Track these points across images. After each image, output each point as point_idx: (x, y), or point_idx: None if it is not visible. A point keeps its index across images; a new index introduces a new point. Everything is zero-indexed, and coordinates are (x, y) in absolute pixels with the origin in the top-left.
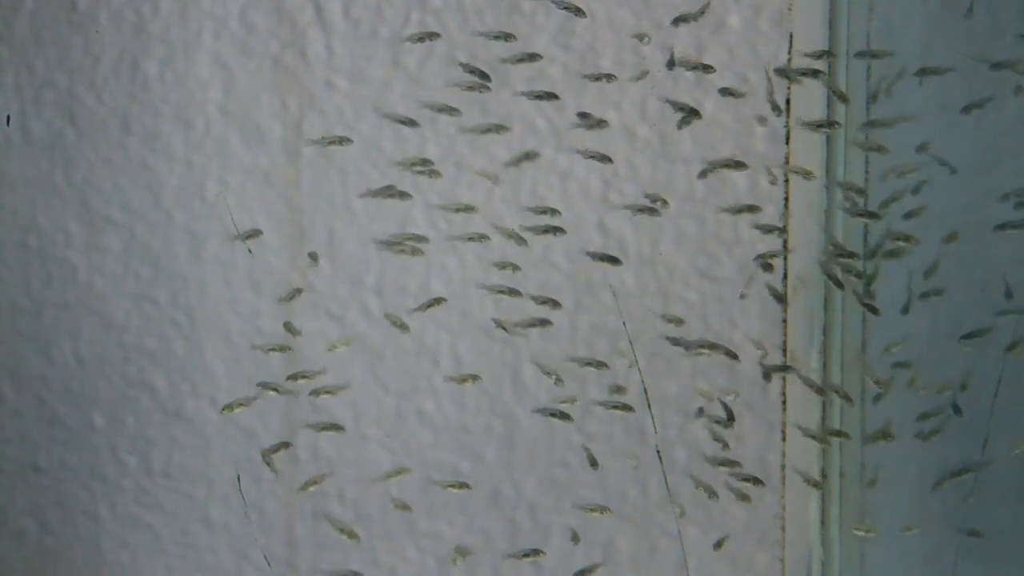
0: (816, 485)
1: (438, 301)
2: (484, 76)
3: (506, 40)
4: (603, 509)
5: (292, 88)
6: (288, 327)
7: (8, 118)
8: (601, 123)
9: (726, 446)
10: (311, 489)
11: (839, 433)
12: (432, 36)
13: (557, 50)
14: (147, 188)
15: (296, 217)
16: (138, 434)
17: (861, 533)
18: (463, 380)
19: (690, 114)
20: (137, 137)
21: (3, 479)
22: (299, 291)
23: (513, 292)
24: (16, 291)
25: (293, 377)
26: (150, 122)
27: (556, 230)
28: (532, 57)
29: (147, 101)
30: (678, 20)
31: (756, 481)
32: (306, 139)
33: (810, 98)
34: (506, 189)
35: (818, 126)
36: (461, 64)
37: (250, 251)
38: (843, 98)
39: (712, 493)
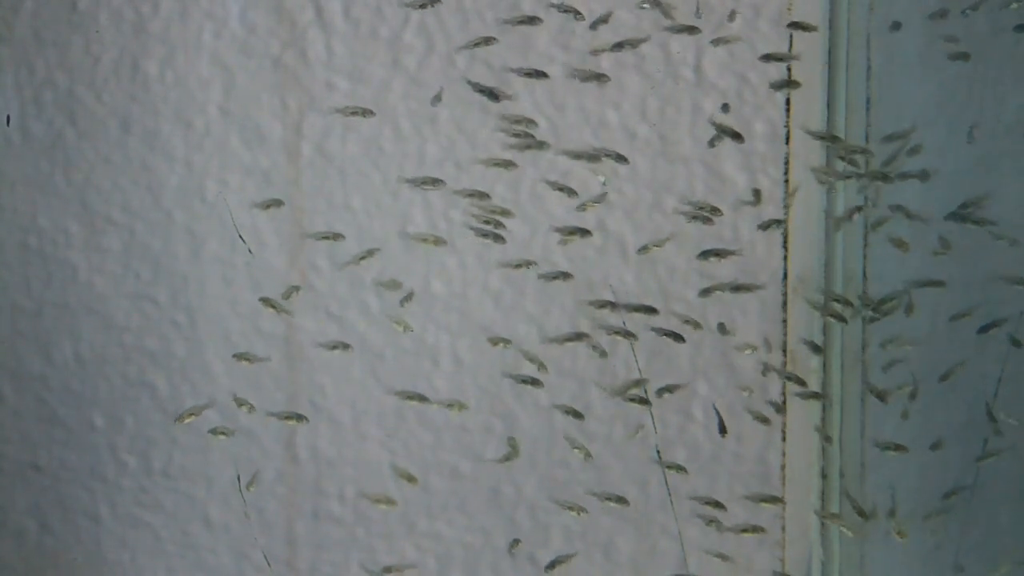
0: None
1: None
2: (493, 96)
3: (487, 44)
4: (580, 509)
5: (292, 88)
6: (266, 301)
7: (8, 118)
8: (601, 77)
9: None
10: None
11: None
12: (435, 2)
13: (557, 50)
14: (147, 188)
15: (296, 217)
16: (138, 434)
17: (840, 526)
18: (496, 343)
19: (733, 137)
20: (137, 137)
21: (3, 479)
22: (296, 289)
23: (566, 276)
24: (16, 291)
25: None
26: (150, 122)
27: (583, 232)
28: (532, 20)
29: (147, 101)
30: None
31: (756, 530)
32: (327, 107)
33: (810, 99)
34: (505, 188)
35: (820, 138)
36: (470, 83)
37: (250, 251)
38: (859, 152)
39: (719, 525)
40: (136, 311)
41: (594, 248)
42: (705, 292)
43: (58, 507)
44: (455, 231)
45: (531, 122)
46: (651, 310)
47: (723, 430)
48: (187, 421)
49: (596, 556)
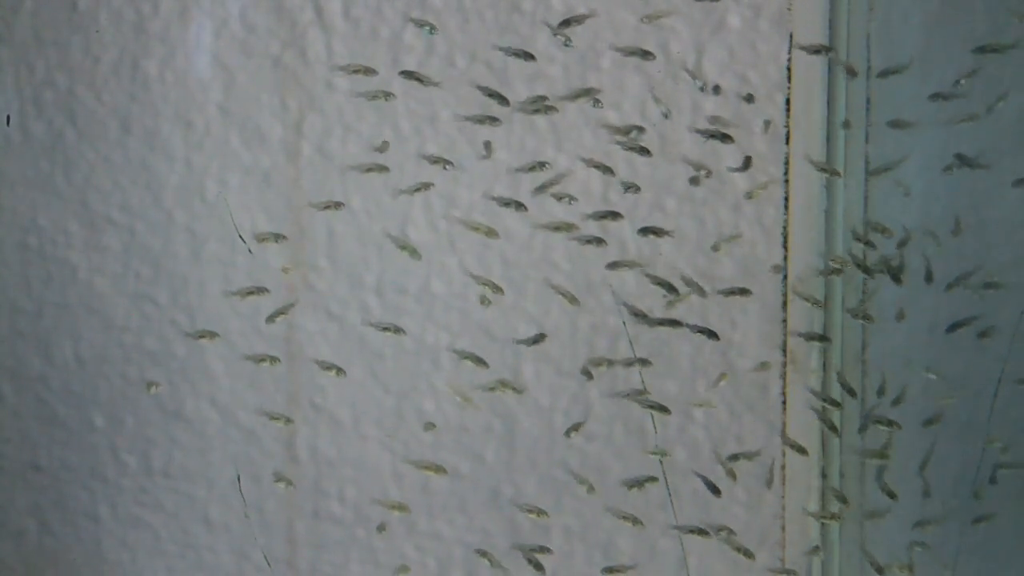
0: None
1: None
2: (503, 100)
3: (420, 27)
4: (540, 512)
5: (292, 88)
6: (241, 292)
7: (8, 118)
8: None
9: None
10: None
11: (834, 403)
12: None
13: (557, 50)
14: (147, 188)
15: (296, 217)
16: (138, 434)
17: (827, 520)
18: (484, 301)
19: (723, 139)
20: (137, 137)
21: (3, 479)
22: (283, 237)
23: (600, 241)
24: (16, 291)
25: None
26: (150, 122)
27: (615, 215)
28: None
29: (147, 101)
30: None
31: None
32: (331, 66)
33: (810, 99)
34: (504, 189)
35: (821, 169)
36: (480, 88)
37: (251, 251)
38: (851, 72)
39: (722, 534)
40: (136, 311)
41: (594, 248)
42: (613, 265)
43: (58, 507)
44: (455, 231)
45: (552, 108)
46: (677, 323)
47: (716, 491)
48: (155, 390)
49: (596, 556)
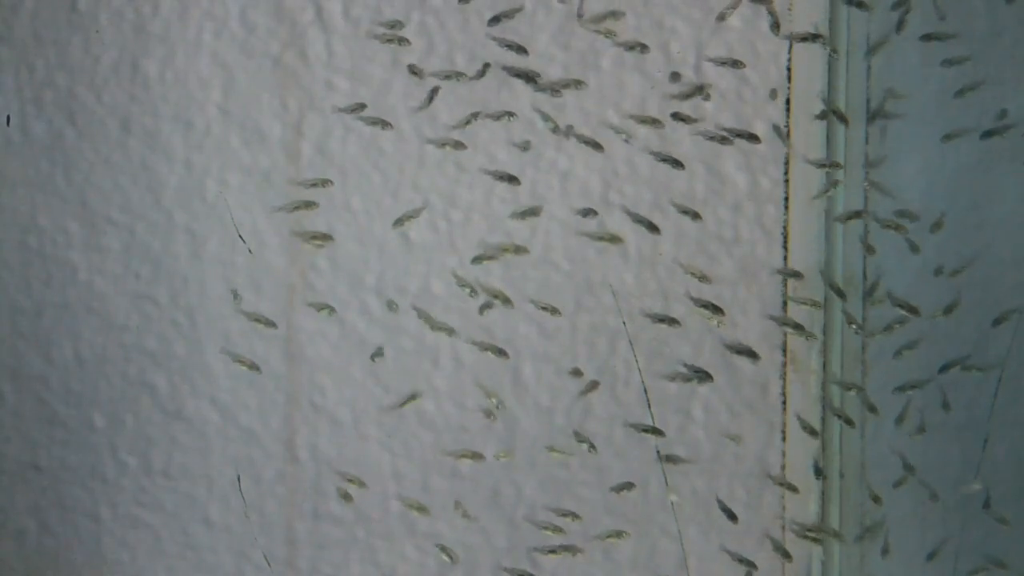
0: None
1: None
2: (531, 79)
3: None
4: (563, 532)
5: (292, 88)
6: (234, 294)
7: (8, 118)
8: (702, 90)
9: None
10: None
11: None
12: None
13: (557, 50)
14: (147, 188)
15: (296, 217)
16: (138, 434)
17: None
18: (479, 267)
19: (749, 139)
20: (137, 137)
21: (3, 479)
22: (313, 204)
23: (615, 238)
24: (16, 291)
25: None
26: (150, 122)
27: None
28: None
29: (147, 101)
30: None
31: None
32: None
33: (809, 99)
34: (504, 189)
35: (820, 165)
36: (505, 68)
37: (250, 251)
38: (843, 119)
39: (750, 565)
40: (136, 311)
41: (594, 248)
42: None
43: (58, 507)
44: (455, 231)
45: (565, 86)
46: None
47: (733, 518)
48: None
49: (596, 556)
